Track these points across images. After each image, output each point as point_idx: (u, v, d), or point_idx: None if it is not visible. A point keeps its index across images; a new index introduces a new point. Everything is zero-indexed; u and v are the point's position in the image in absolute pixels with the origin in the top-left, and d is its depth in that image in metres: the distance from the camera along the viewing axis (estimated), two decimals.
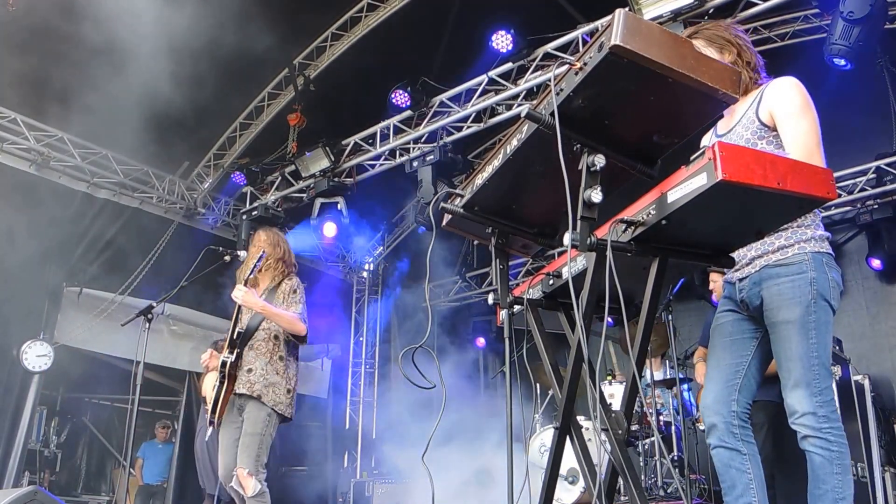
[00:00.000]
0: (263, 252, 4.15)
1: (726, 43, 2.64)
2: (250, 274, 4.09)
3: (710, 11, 5.53)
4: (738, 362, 2.60)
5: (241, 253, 4.63)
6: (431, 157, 7.57)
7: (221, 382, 4.00)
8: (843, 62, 5.44)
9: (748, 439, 2.54)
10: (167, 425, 9.12)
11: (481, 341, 10.57)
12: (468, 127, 7.46)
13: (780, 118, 2.47)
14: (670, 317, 5.89)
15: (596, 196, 1.78)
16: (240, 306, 4.33)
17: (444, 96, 7.42)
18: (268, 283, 4.25)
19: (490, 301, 2.33)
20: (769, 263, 2.49)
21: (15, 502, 3.88)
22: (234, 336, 4.08)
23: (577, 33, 6.39)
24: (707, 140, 2.85)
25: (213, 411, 4.01)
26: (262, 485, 3.84)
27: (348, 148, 8.26)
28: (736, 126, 2.64)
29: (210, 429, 4.09)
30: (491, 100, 7.12)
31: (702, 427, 5.57)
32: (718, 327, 2.71)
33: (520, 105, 6.98)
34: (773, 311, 2.45)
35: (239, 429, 4.02)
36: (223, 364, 4.01)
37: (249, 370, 4.04)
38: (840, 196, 7.06)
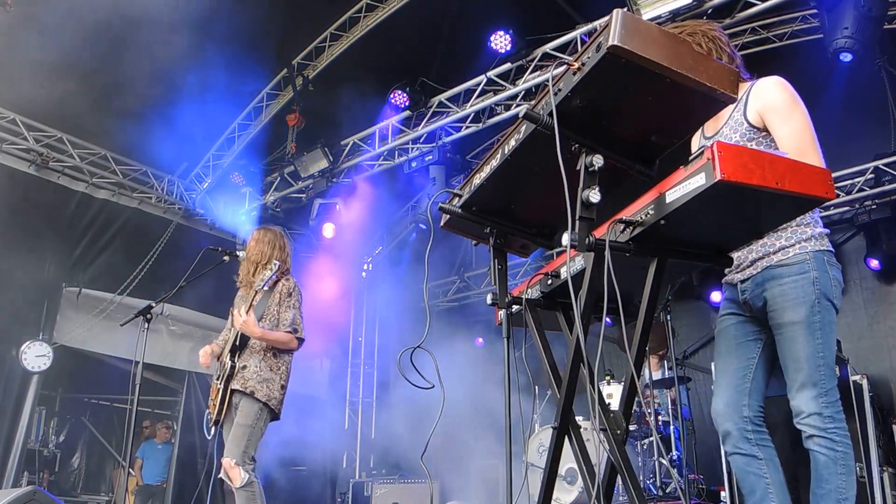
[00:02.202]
0: (278, 265, 4.12)
1: (724, 46, 2.63)
2: (263, 286, 4.06)
3: (709, 12, 5.53)
4: (745, 366, 2.59)
5: (241, 253, 4.62)
6: (430, 157, 7.57)
7: (225, 387, 4.04)
8: (849, 57, 5.46)
9: (764, 443, 2.53)
10: (169, 426, 9.11)
11: (480, 341, 10.56)
12: (467, 127, 7.47)
13: (769, 118, 2.47)
14: (669, 317, 5.89)
15: (594, 196, 1.78)
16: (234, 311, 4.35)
17: (442, 97, 7.42)
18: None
19: (489, 301, 2.33)
20: (771, 264, 2.49)
21: (14, 502, 3.88)
22: (237, 342, 4.11)
23: (576, 34, 6.40)
24: (695, 143, 2.85)
25: (218, 412, 4.07)
26: (251, 475, 3.84)
27: (347, 148, 8.26)
28: (723, 128, 2.64)
29: (213, 429, 4.11)
30: (490, 100, 7.12)
31: None
32: (722, 332, 2.70)
33: (518, 105, 6.98)
34: (778, 312, 2.44)
35: None
36: (231, 368, 4.06)
37: (244, 367, 4.07)
38: (838, 196, 7.06)
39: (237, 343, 4.12)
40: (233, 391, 4.06)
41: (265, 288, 4.08)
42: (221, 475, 3.90)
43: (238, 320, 3.99)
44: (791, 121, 2.43)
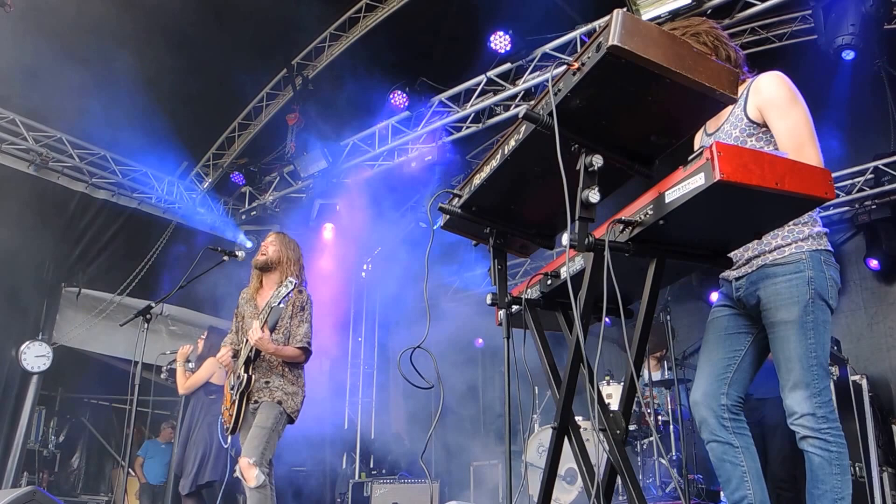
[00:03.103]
0: (294, 283, 4.10)
1: (723, 43, 2.62)
2: (280, 303, 4.06)
3: (709, 12, 5.54)
4: (730, 356, 2.59)
5: (240, 253, 4.63)
6: (430, 157, 7.57)
7: (241, 400, 4.06)
8: (851, 54, 5.48)
9: (741, 431, 2.53)
10: (174, 425, 9.09)
11: (480, 341, 10.57)
12: (467, 127, 7.46)
13: (768, 114, 2.46)
14: (668, 317, 5.89)
15: (594, 196, 1.78)
16: (242, 316, 4.34)
17: (442, 96, 7.42)
18: (275, 288, 4.22)
19: (488, 301, 2.33)
20: (766, 263, 2.48)
21: (14, 502, 3.89)
22: (251, 354, 4.11)
23: (576, 34, 6.40)
24: (698, 139, 2.85)
25: (235, 422, 4.08)
26: (266, 477, 3.88)
27: (347, 148, 8.26)
28: (724, 124, 2.63)
29: (230, 437, 4.13)
30: (489, 100, 7.12)
31: None
32: (714, 321, 2.70)
33: (518, 105, 6.98)
34: (771, 311, 2.44)
35: None
36: (248, 382, 4.07)
37: (267, 382, 4.12)
38: (838, 196, 7.06)
39: (251, 355, 4.13)
40: (248, 400, 4.09)
41: (280, 305, 4.10)
42: (237, 474, 3.94)
43: (253, 336, 4.01)
44: (790, 116, 2.42)
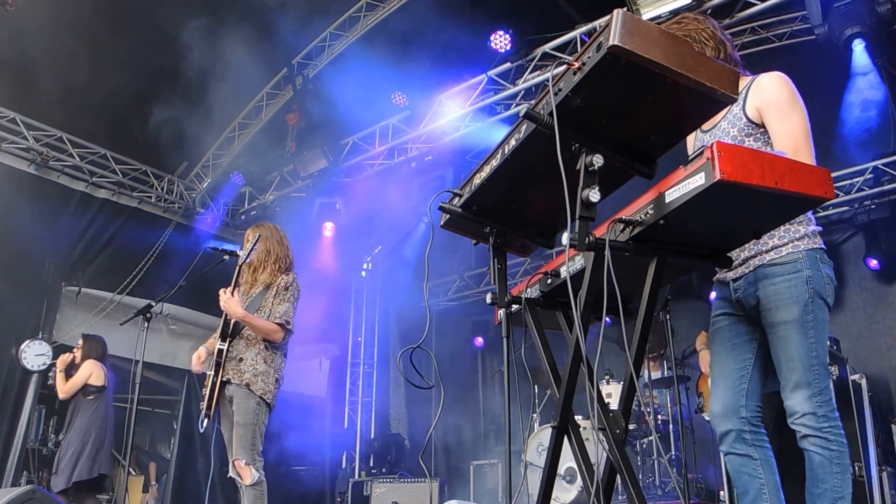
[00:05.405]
0: (259, 236, 4.17)
1: (708, 39, 2.58)
2: (245, 259, 4.13)
3: (709, 12, 5.54)
4: (741, 367, 2.58)
5: (242, 253, 4.63)
6: (430, 157, 7.57)
7: (216, 372, 4.04)
8: (861, 45, 5.52)
9: (760, 444, 2.52)
10: None
11: (479, 341, 10.58)
12: (466, 127, 7.46)
13: (768, 115, 2.46)
14: (668, 317, 5.88)
15: (594, 195, 1.78)
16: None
17: (442, 96, 7.42)
18: (265, 277, 4.26)
19: (488, 300, 2.33)
20: (763, 263, 2.49)
21: (13, 501, 3.89)
22: (225, 326, 4.11)
23: (576, 33, 6.41)
24: (691, 138, 2.84)
25: (208, 402, 4.06)
26: (260, 473, 3.91)
27: (347, 148, 8.26)
28: (721, 122, 2.62)
29: (206, 421, 4.12)
30: (490, 100, 7.12)
31: (706, 416, 5.58)
32: (717, 332, 2.69)
33: (518, 105, 6.98)
34: (771, 311, 2.44)
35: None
36: (219, 353, 4.06)
37: (240, 360, 4.08)
38: (838, 196, 7.06)
39: (228, 329, 4.10)
40: (225, 382, 4.06)
41: (247, 259, 4.15)
42: (231, 474, 3.96)
43: (222, 298, 4.01)
44: (789, 119, 2.42)
